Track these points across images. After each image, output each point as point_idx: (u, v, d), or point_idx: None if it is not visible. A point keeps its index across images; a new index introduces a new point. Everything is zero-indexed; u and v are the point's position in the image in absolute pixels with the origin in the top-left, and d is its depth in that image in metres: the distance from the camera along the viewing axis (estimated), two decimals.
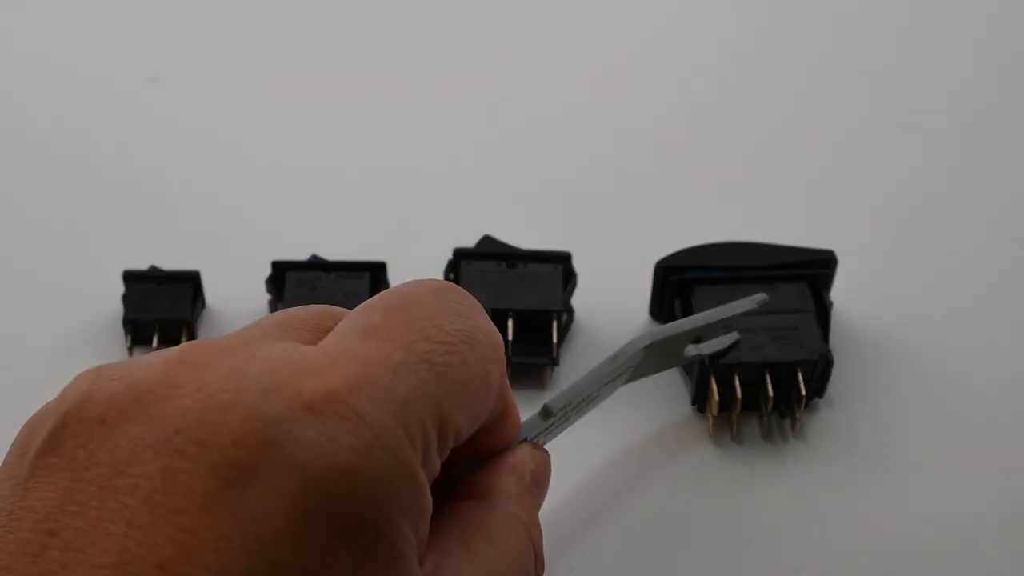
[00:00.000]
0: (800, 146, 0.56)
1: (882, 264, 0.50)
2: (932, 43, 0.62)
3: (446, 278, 0.47)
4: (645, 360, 0.39)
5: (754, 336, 0.43)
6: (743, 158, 0.56)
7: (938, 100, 0.59)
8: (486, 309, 0.45)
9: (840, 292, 0.47)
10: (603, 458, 0.44)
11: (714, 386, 0.43)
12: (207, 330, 0.48)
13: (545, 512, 0.43)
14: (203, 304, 0.48)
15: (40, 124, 0.57)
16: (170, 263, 0.48)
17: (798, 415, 0.43)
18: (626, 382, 0.40)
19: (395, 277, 0.48)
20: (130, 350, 0.46)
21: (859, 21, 0.63)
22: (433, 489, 0.28)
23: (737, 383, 0.43)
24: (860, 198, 0.54)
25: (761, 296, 0.41)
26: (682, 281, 0.46)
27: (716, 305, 0.41)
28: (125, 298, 0.47)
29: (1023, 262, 0.51)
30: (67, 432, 0.27)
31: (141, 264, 0.48)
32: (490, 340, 0.30)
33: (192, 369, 0.27)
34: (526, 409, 0.44)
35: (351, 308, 0.45)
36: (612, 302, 0.49)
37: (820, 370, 0.44)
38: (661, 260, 0.46)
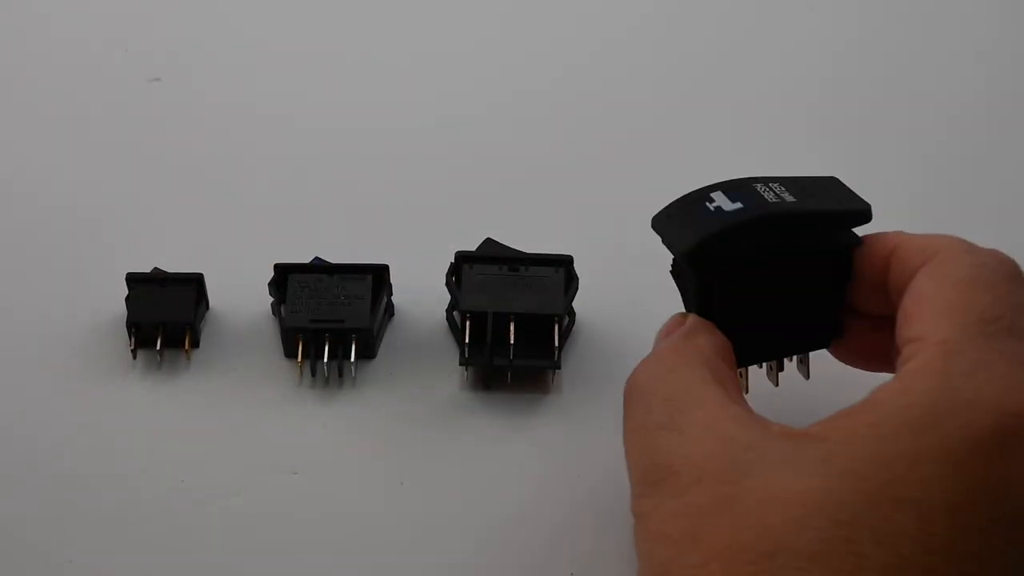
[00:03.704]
0: (801, 149, 0.56)
1: None
2: (933, 39, 0.61)
3: (448, 281, 0.47)
4: None
5: None
6: (744, 161, 0.56)
7: (940, 95, 0.59)
8: (488, 312, 0.46)
9: None
10: (604, 459, 0.44)
11: None
12: (210, 333, 0.48)
13: (547, 513, 0.43)
14: (206, 306, 0.48)
15: (42, 125, 0.57)
16: (173, 265, 0.48)
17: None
18: None
19: (397, 280, 0.48)
20: (133, 352, 0.47)
21: (859, 17, 0.63)
22: None
23: None
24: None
25: None
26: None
27: None
28: (128, 300, 0.47)
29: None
30: None
31: (144, 266, 0.48)
32: None
33: None
34: (525, 412, 0.45)
35: (352, 309, 0.46)
36: (614, 305, 0.49)
37: None
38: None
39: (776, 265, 0.40)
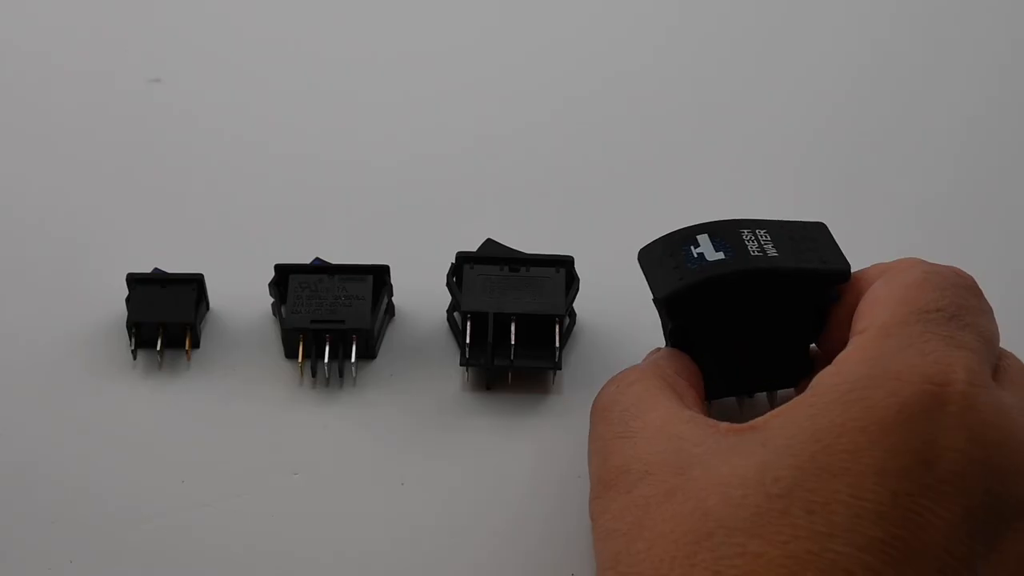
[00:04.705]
0: (803, 149, 0.56)
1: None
2: (932, 41, 0.61)
3: (449, 282, 0.47)
4: None
5: None
6: (747, 163, 0.56)
7: (939, 98, 0.59)
8: (488, 313, 0.46)
9: None
10: None
11: None
12: (210, 333, 0.48)
13: (547, 513, 0.43)
14: (207, 307, 0.48)
15: (42, 126, 0.57)
16: (174, 266, 0.48)
17: None
18: None
19: (398, 280, 0.48)
20: (134, 353, 0.47)
21: (859, 19, 0.63)
22: None
23: None
24: (862, 207, 0.54)
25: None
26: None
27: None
28: (129, 301, 0.47)
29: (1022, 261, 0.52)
30: None
31: (145, 267, 0.48)
32: None
33: None
34: (526, 412, 0.45)
35: (353, 310, 0.46)
36: (614, 306, 0.49)
37: None
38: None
39: (752, 313, 0.41)
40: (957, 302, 0.36)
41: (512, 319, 0.45)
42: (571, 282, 0.47)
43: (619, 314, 0.49)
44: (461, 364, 0.46)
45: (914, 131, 0.57)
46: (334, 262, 0.48)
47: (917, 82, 0.60)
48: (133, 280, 0.47)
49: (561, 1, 0.64)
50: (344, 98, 0.58)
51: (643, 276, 0.42)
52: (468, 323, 0.46)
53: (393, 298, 0.48)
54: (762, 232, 0.40)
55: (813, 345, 0.42)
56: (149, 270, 0.48)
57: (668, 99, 0.59)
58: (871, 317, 0.36)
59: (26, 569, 0.41)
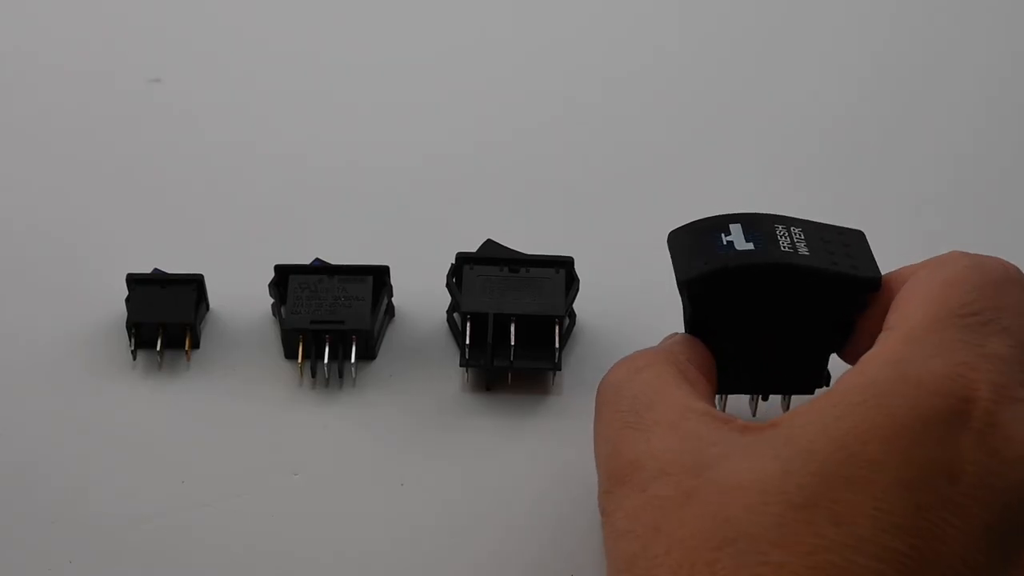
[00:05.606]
0: (807, 149, 0.56)
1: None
2: (935, 41, 0.61)
3: (448, 283, 0.47)
4: None
5: None
6: (748, 163, 0.56)
7: (942, 97, 0.59)
8: (488, 314, 0.46)
9: None
10: None
11: None
12: (210, 334, 0.48)
13: (547, 513, 0.43)
14: (207, 307, 0.48)
15: (42, 126, 0.57)
16: (174, 266, 0.48)
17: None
18: None
19: (398, 281, 0.48)
20: (134, 353, 0.47)
21: (860, 19, 0.63)
22: None
23: None
24: (862, 208, 0.54)
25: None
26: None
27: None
28: (128, 301, 0.47)
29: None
30: None
31: (145, 267, 0.48)
32: None
33: None
34: (526, 413, 0.45)
35: (353, 310, 0.46)
36: (614, 306, 0.49)
37: None
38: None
39: (774, 310, 0.40)
40: (995, 303, 0.35)
41: (512, 320, 0.45)
42: (571, 283, 0.47)
43: (619, 314, 0.49)
44: (461, 365, 0.46)
45: (916, 131, 0.57)
46: (334, 262, 0.48)
47: (920, 82, 0.60)
48: (133, 280, 0.47)
49: (561, 2, 0.64)
50: (344, 99, 0.58)
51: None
52: (468, 324, 0.46)
53: (393, 298, 0.48)
54: (797, 230, 0.39)
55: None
56: (149, 270, 0.48)
57: (669, 100, 0.59)
58: (904, 313, 0.35)
59: (26, 569, 0.41)
